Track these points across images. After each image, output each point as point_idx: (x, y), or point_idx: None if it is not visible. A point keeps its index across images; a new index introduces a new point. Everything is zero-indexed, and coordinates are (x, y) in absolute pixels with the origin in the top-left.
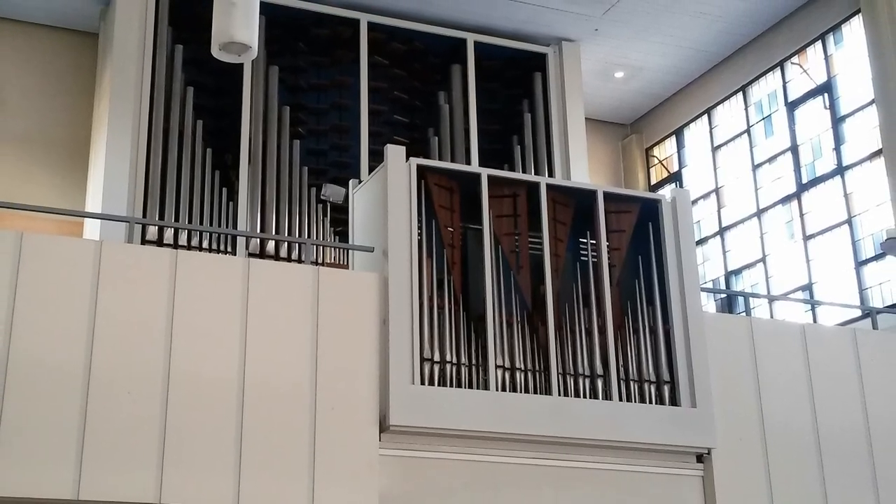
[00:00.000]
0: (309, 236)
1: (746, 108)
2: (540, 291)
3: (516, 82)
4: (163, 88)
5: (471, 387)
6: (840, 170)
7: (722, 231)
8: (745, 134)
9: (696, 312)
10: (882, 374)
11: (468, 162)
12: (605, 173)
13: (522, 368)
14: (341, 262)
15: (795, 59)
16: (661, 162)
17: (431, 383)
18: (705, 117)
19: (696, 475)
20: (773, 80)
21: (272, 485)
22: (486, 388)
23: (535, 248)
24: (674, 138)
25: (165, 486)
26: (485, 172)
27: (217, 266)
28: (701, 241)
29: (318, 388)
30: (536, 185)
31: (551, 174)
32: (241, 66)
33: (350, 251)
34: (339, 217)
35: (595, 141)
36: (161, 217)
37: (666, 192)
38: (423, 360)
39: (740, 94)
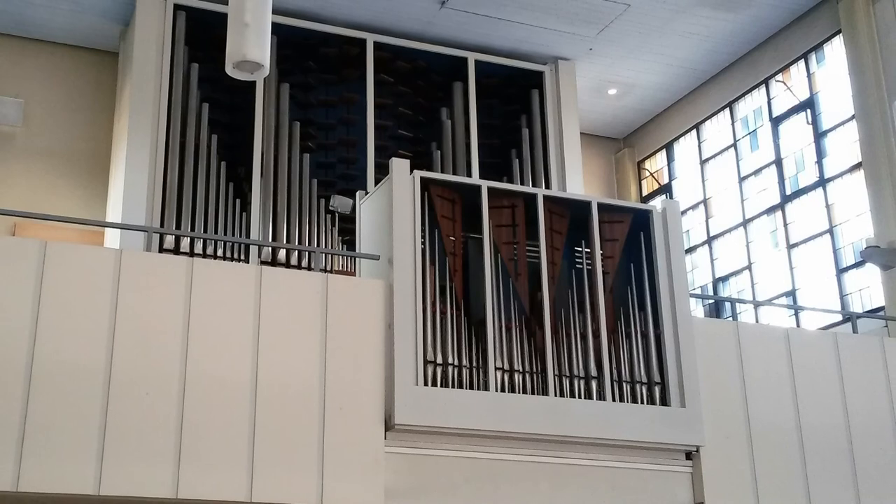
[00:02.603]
0: (318, 245)
1: (733, 124)
2: (537, 297)
3: (515, 99)
4: (179, 105)
5: (471, 388)
6: (822, 182)
7: (710, 240)
8: (732, 148)
9: (686, 317)
10: (861, 376)
11: (469, 174)
12: (598, 185)
13: (520, 370)
14: (349, 270)
15: (779, 76)
16: (652, 174)
17: (434, 384)
18: (694, 132)
19: (685, 472)
20: (758, 97)
21: (283, 480)
22: (486, 388)
23: (532, 257)
24: (664, 152)
25: (182, 481)
26: (485, 184)
27: (231, 273)
28: (690, 250)
29: (326, 388)
30: (534, 197)
31: (548, 186)
32: (253, 83)
33: (357, 259)
34: (347, 227)
35: (589, 154)
36: (178, 227)
37: (657, 203)
38: (426, 362)
39: (727, 110)
